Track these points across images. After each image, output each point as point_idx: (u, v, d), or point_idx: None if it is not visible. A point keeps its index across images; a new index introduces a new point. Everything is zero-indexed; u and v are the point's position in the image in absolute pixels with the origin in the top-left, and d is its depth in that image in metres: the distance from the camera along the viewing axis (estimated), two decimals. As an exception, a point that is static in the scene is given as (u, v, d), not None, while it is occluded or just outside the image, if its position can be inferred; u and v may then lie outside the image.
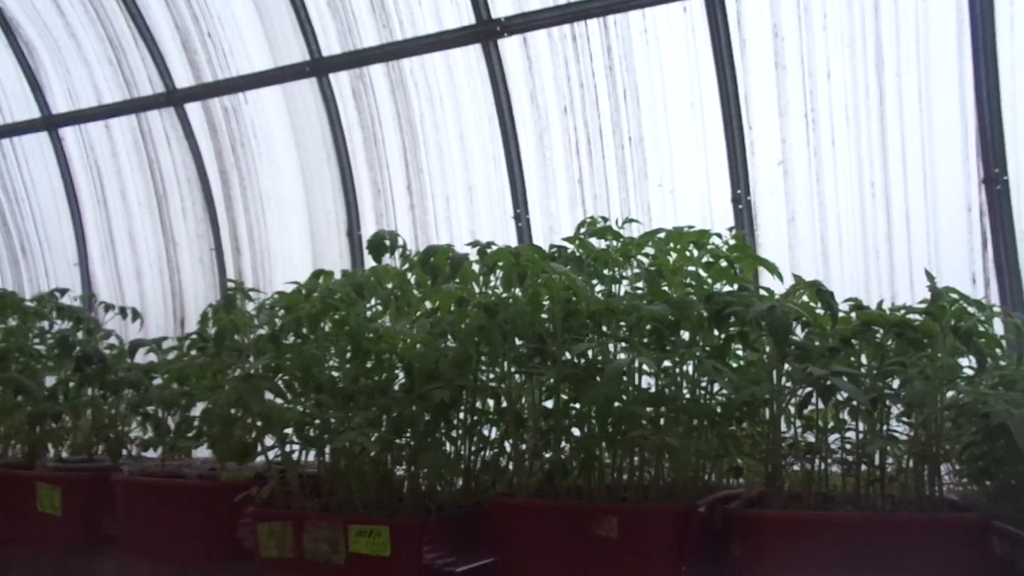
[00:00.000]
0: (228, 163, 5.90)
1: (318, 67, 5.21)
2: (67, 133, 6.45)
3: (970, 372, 1.83)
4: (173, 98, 5.85)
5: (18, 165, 6.84)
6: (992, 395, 1.63)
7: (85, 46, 6.06)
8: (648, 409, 1.89)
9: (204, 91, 5.72)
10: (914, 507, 1.76)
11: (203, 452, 2.87)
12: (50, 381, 3.04)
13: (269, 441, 2.29)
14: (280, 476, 2.18)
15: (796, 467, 2.03)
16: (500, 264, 2.13)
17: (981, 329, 1.86)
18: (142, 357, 2.93)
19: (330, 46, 5.18)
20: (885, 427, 1.94)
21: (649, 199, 4.57)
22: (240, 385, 2.04)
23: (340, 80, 5.24)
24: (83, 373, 2.78)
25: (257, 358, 2.14)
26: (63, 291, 3.49)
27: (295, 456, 2.24)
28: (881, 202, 4.14)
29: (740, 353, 2.21)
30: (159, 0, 5.65)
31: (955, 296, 1.89)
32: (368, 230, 5.33)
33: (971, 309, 1.83)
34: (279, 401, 2.16)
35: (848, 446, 2.00)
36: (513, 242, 4.74)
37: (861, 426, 1.99)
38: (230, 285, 2.36)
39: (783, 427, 2.03)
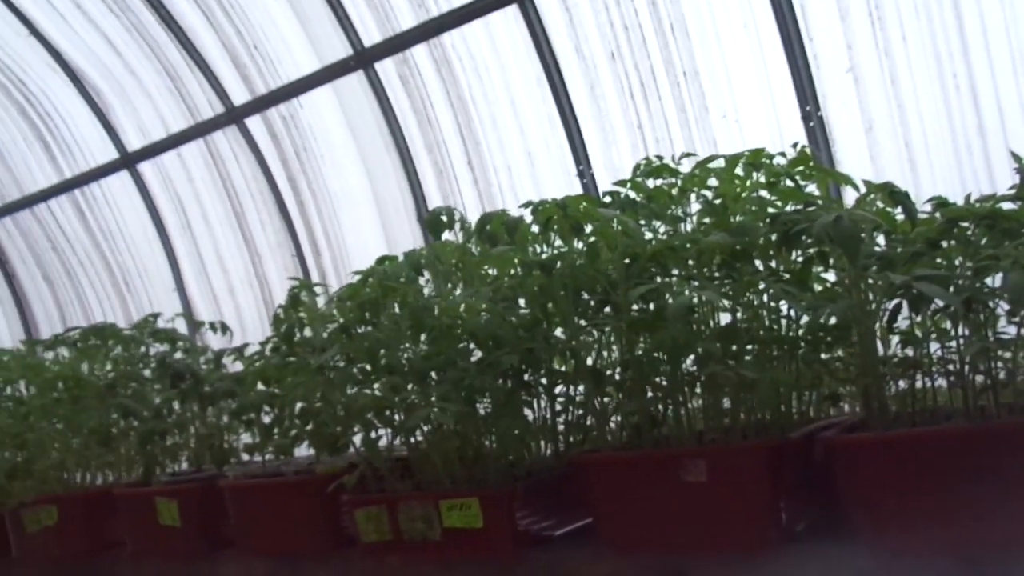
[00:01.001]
0: (295, 169, 6.02)
1: (362, 59, 5.23)
2: (145, 168, 6.73)
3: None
4: (233, 116, 6.00)
5: (108, 206, 7.19)
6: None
7: (145, 80, 6.29)
8: (727, 345, 1.79)
9: (260, 104, 5.85)
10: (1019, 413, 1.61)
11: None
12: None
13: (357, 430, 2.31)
14: (370, 462, 2.20)
15: (895, 383, 1.89)
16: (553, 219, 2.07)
17: (1085, 206, 1.67)
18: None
19: (371, 35, 5.19)
20: (991, 331, 1.78)
21: (714, 133, 4.39)
22: (315, 379, 2.06)
23: (386, 68, 5.25)
24: (179, 389, 2.89)
25: (328, 350, 2.15)
26: (156, 315, 3.63)
27: (382, 441, 2.26)
28: (967, 94, 3.83)
29: (827, 276, 2.07)
30: (203, 23, 5.78)
31: (1050, 175, 1.71)
32: (437, 211, 5.33)
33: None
34: (355, 389, 2.17)
35: (952, 356, 1.85)
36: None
37: (965, 332, 1.84)
38: (293, 284, 2.38)
39: (881, 347, 1.90)
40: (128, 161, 6.71)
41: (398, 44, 5.09)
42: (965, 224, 1.75)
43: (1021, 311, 1.60)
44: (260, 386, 2.56)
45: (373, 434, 2.21)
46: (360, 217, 5.77)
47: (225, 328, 3.62)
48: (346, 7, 5.16)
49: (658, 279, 1.94)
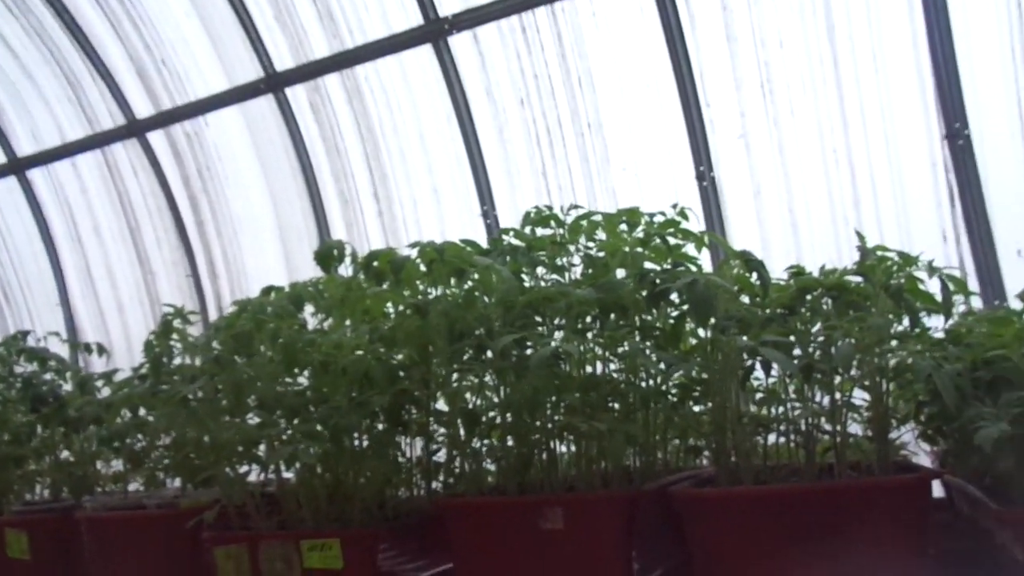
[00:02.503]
0: (196, 188, 5.87)
1: (273, 83, 5.18)
2: (35, 175, 6.43)
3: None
4: (134, 129, 5.83)
5: (-10, 213, 6.83)
6: (918, 352, 1.59)
7: (43, 85, 6.04)
8: (588, 396, 1.85)
9: (164, 119, 5.70)
10: (864, 472, 1.72)
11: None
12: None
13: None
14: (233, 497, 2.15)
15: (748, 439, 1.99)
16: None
17: (921, 287, 1.81)
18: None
19: (283, 61, 5.15)
20: (841, 394, 1.90)
21: (614, 185, 4.53)
22: (177, 410, 2.01)
23: (297, 94, 5.21)
24: (41, 413, 2.76)
25: (196, 381, 2.10)
26: (27, 333, 3.47)
27: (252, 476, 2.21)
28: (845, 167, 4.08)
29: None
30: (110, 33, 5.62)
31: (893, 254, 1.85)
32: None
33: (919, 268, 1.79)
34: (223, 422, 2.12)
35: (800, 416, 1.96)
36: (482, 239, 4.70)
37: (823, 395, 1.94)
38: (167, 310, 2.32)
39: (744, 402, 1.99)
40: (17, 167, 6.40)
41: (311, 72, 5.07)
42: (817, 293, 1.88)
43: (866, 379, 1.72)
44: (128, 414, 2.47)
45: (240, 469, 2.17)
46: (262, 241, 5.66)
47: (102, 350, 3.48)
48: (259, 30, 5.11)
49: (538, 326, 1.99)
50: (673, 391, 1.96)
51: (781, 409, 1.90)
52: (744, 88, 4.19)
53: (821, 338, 1.82)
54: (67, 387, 3.08)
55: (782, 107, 4.15)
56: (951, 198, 3.89)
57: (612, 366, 2.02)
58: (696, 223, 2.39)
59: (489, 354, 2.00)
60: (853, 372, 1.67)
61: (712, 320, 1.69)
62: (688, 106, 4.22)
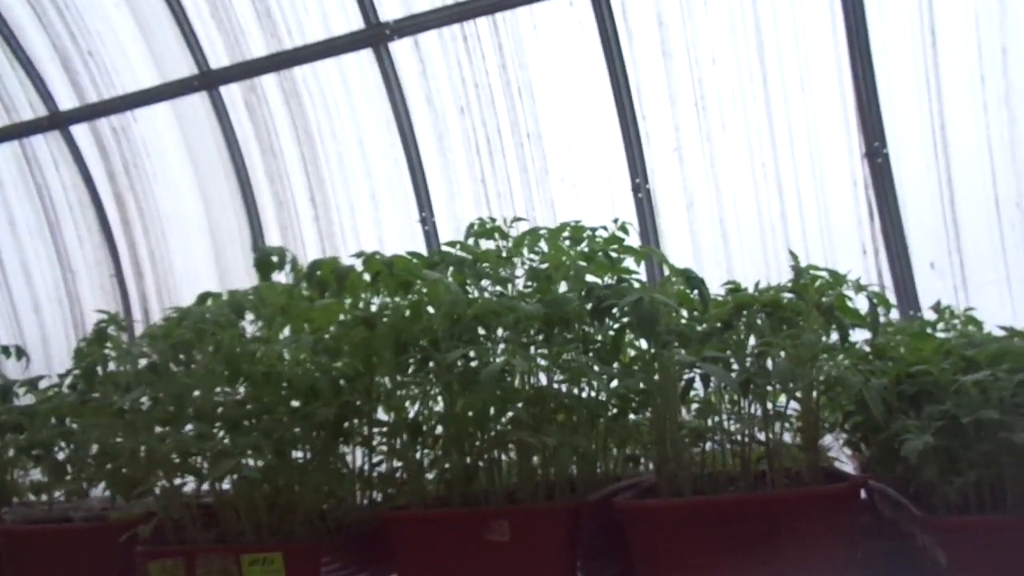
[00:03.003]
0: (122, 185, 5.69)
1: (207, 80, 5.06)
2: (-54, 165, 6.12)
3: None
4: (57, 121, 5.61)
5: None
6: (850, 367, 1.68)
7: (-43, 72, 5.76)
8: (534, 409, 1.88)
9: (89, 112, 5.51)
10: (797, 480, 1.80)
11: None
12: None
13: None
14: (168, 510, 2.10)
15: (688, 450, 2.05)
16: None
17: (849, 304, 1.91)
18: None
19: (218, 58, 5.04)
20: (771, 405, 1.99)
21: (552, 194, 4.59)
22: (113, 421, 1.95)
23: (232, 93, 5.11)
24: (-45, 420, 2.63)
25: (132, 391, 2.05)
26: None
27: (186, 488, 2.17)
28: (773, 182, 4.25)
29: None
30: (33, 20, 5.40)
31: (824, 272, 1.94)
32: (273, 243, 5.20)
33: (847, 286, 1.88)
34: (160, 432, 2.07)
35: (735, 427, 2.04)
36: (420, 247, 4.70)
37: (755, 406, 2.03)
38: (101, 317, 2.26)
39: (684, 414, 2.06)
40: (-74, 156, 6.07)
41: (247, 71, 4.98)
42: (753, 309, 1.95)
43: (788, 391, 1.80)
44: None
45: (176, 481, 2.12)
46: (192, 242, 5.52)
47: (21, 353, 3.34)
48: (194, 26, 4.99)
49: (482, 338, 2.01)
50: (614, 403, 2.00)
51: (717, 419, 1.97)
52: (679, 103, 4.32)
53: (756, 352, 1.90)
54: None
55: (714, 122, 4.29)
56: (870, 213, 4.09)
57: (554, 378, 2.06)
58: (635, 237, 2.46)
59: (432, 365, 2.02)
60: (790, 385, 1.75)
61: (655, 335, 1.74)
62: (625, 119, 4.32)
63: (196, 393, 2.01)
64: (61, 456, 2.60)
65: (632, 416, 2.17)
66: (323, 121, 4.96)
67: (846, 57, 3.98)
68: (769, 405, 1.95)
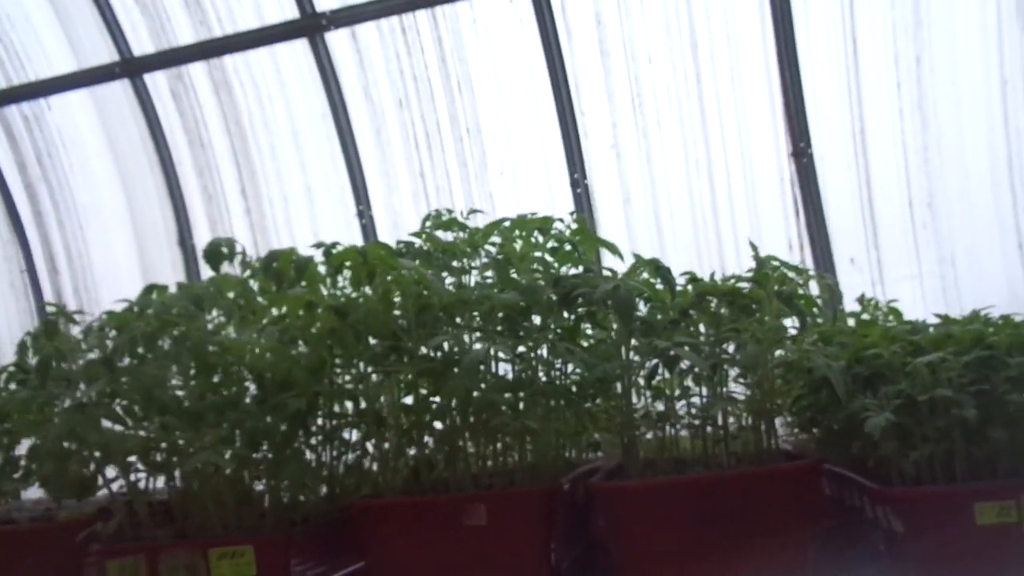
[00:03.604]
0: (34, 176, 5.40)
1: (129, 68, 4.87)
2: None
3: (794, 332, 2.00)
4: (-39, 107, 5.28)
5: None
6: (813, 351, 1.79)
7: None
8: (507, 395, 1.92)
9: (-2, 98, 5.21)
10: (755, 461, 1.90)
11: (34, 492, 2.63)
12: None
13: (111, 472, 2.13)
14: (127, 507, 2.04)
15: (649, 435, 2.13)
16: (348, 264, 2.09)
17: (801, 292, 2.02)
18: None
19: (142, 45, 4.85)
20: (725, 389, 2.08)
21: (491, 188, 4.63)
22: (72, 416, 1.88)
23: (156, 81, 4.93)
24: None
25: (89, 385, 1.98)
26: None
27: (140, 484, 2.10)
28: (705, 178, 4.41)
29: (589, 332, 2.29)
30: (-65, -2, 5.07)
31: (777, 263, 2.05)
32: (201, 238, 5.05)
33: (791, 274, 1.99)
34: (118, 428, 2.01)
35: (694, 411, 2.12)
36: (357, 241, 4.66)
37: (704, 391, 2.12)
38: (50, 309, 2.16)
39: (634, 399, 2.13)
40: None
41: (173, 58, 4.81)
42: (711, 298, 2.04)
43: (753, 376, 1.90)
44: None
45: (132, 476, 2.06)
46: (112, 236, 5.29)
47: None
48: (115, 10, 4.79)
49: (447, 329, 2.03)
50: (587, 390, 2.06)
51: (681, 403, 2.05)
52: (616, 100, 4.42)
53: (717, 338, 1.99)
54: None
55: (650, 119, 4.41)
56: (796, 210, 4.30)
57: (517, 366, 2.10)
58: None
59: (404, 355, 2.03)
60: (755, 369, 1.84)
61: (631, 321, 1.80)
62: (564, 115, 4.40)
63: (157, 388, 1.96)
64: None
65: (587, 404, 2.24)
66: (255, 112, 4.85)
67: (775, 59, 4.16)
68: (723, 390, 2.05)
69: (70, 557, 2.09)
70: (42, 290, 5.52)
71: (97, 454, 2.03)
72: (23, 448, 2.34)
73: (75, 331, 2.34)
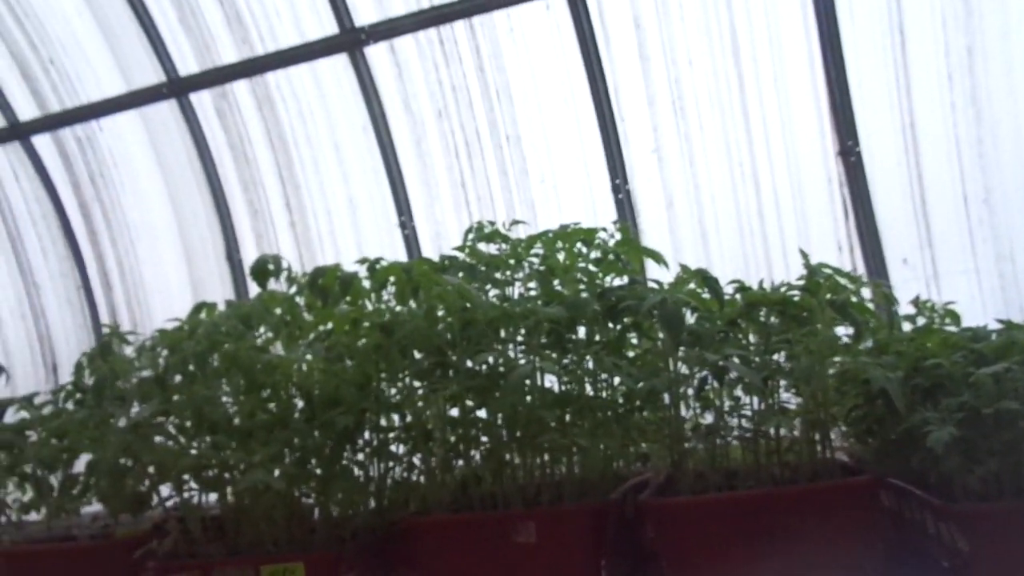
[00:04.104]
0: (88, 195, 5.55)
1: (176, 88, 4.97)
2: (-102, 177, 5.90)
3: (848, 340, 1.94)
4: (17, 132, 5.45)
5: None
6: (870, 363, 1.73)
7: (-91, 80, 5.56)
8: (560, 411, 1.90)
9: (52, 122, 5.36)
10: (809, 472, 1.85)
11: (93, 508, 2.69)
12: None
13: (165, 489, 2.17)
14: (180, 524, 2.07)
15: (697, 447, 2.09)
16: (392, 280, 2.10)
17: (854, 300, 1.96)
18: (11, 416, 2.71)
19: (187, 65, 4.95)
20: (776, 400, 2.03)
21: (532, 196, 4.61)
22: (127, 434, 1.92)
23: (202, 100, 5.02)
24: (-56, 440, 2.54)
25: (142, 403, 2.01)
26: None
27: (194, 501, 2.13)
28: (750, 181, 4.33)
29: (634, 343, 2.26)
30: (-11, 28, 5.25)
31: (828, 271, 1.99)
32: (248, 252, 5.14)
33: (843, 281, 1.94)
34: (172, 445, 2.04)
35: (745, 422, 2.08)
36: (400, 251, 4.69)
37: (755, 402, 2.07)
38: (105, 330, 2.21)
39: (683, 410, 2.09)
40: None
41: (217, 77, 4.90)
42: (760, 308, 2.00)
43: (806, 387, 1.85)
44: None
45: (185, 493, 2.09)
46: (162, 252, 5.41)
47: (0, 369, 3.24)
48: (161, 32, 4.90)
49: (495, 343, 2.02)
50: (627, 403, 2.03)
51: (732, 416, 2.01)
52: (656, 104, 4.37)
53: (768, 349, 1.95)
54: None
55: (692, 123, 4.35)
56: (845, 211, 4.20)
57: (563, 379, 2.08)
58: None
59: (450, 370, 2.02)
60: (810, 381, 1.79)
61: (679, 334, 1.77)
62: (604, 121, 4.36)
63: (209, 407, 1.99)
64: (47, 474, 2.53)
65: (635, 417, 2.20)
66: (298, 127, 4.91)
67: (819, 57, 4.07)
68: (774, 401, 2.00)
69: (127, 573, 2.13)
70: (96, 305, 5.67)
71: (152, 471, 2.07)
72: (81, 465, 2.40)
73: (128, 350, 2.39)
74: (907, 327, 2.43)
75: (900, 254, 4.16)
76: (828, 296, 1.86)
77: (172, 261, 5.44)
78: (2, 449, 2.57)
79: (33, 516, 2.78)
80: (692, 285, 2.04)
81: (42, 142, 5.50)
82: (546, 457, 2.01)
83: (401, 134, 4.67)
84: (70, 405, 2.31)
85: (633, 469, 2.51)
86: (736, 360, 1.69)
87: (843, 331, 2.07)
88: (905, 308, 2.75)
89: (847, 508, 1.64)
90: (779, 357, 2.02)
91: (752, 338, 2.08)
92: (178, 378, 2.11)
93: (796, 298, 1.95)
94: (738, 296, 2.07)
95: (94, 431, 2.26)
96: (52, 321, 5.84)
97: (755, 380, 1.71)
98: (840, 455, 2.49)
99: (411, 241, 4.71)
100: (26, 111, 5.42)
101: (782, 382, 2.05)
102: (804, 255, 1.95)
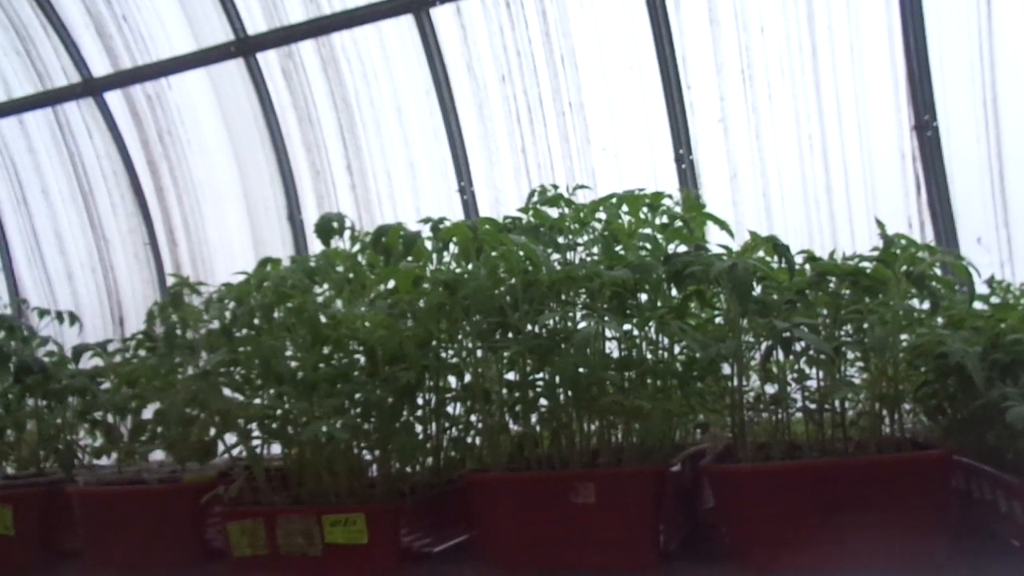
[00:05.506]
0: (156, 153, 5.69)
1: (244, 47, 5.04)
2: (-22, 132, 6.14)
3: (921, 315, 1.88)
4: (91, 87, 5.60)
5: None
6: (948, 336, 1.68)
7: (-9, 38, 5.75)
8: (623, 374, 1.89)
9: (123, 78, 5.49)
10: (876, 448, 1.81)
11: (158, 455, 2.79)
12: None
13: (230, 438, 2.23)
14: (246, 472, 2.13)
15: (758, 418, 2.06)
16: (455, 239, 2.10)
17: (933, 272, 1.90)
18: (85, 362, 2.81)
19: (255, 24, 5.01)
20: (842, 374, 1.98)
21: (593, 164, 4.57)
22: (196, 383, 1.97)
23: (268, 59, 5.09)
24: (23, 383, 2.66)
25: (210, 354, 2.06)
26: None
27: (258, 450, 2.19)
28: (819, 154, 4.22)
29: (695, 312, 2.22)
30: (67, -15, 5.38)
31: (904, 241, 1.93)
32: (309, 213, 5.22)
33: (920, 254, 1.87)
34: (237, 396, 2.09)
35: (808, 394, 2.04)
36: (458, 216, 4.70)
37: (820, 374, 2.03)
38: (172, 280, 2.27)
39: (744, 380, 2.06)
40: (-42, 123, 6.09)
41: (284, 37, 4.95)
42: (831, 278, 1.94)
43: (879, 360, 1.80)
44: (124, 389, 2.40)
45: (250, 443, 2.14)
46: (226, 210, 5.53)
47: (74, 319, 3.36)
48: (231, -9, 4.96)
49: (552, 305, 2.01)
50: (696, 370, 2.00)
51: (796, 387, 1.97)
52: (725, 72, 4.27)
53: (840, 320, 1.90)
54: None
55: (760, 93, 4.24)
56: (918, 187, 4.06)
57: (624, 345, 2.06)
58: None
59: (510, 332, 2.02)
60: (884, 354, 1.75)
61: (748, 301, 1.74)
62: (670, 89, 4.28)
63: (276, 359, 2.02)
64: (119, 420, 2.63)
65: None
66: (361, 89, 4.94)
67: (898, 27, 3.92)
68: (842, 373, 1.96)
69: (194, 517, 2.20)
70: (162, 261, 5.84)
71: (218, 420, 2.13)
72: (149, 413, 2.49)
73: (197, 302, 2.45)
74: (980, 307, 2.35)
75: (974, 233, 4.01)
76: (904, 268, 1.80)
77: (235, 220, 5.56)
78: (76, 394, 2.67)
79: (104, 461, 2.91)
80: (761, 253, 1.99)
81: (114, 98, 5.65)
82: (605, 421, 2.00)
83: (463, 98, 4.67)
84: (141, 353, 2.38)
85: (690, 440, 2.50)
86: (805, 330, 1.65)
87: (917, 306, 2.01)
88: (979, 288, 2.66)
89: (918, 482, 1.60)
90: (848, 329, 1.98)
91: (821, 311, 2.04)
92: (244, 330, 2.16)
93: (868, 269, 1.90)
94: (807, 266, 2.02)
95: (163, 379, 2.33)
96: (120, 276, 6.04)
97: (826, 350, 1.67)
98: (907, 433, 2.44)
99: (469, 206, 4.72)
100: (100, 67, 5.56)
101: (849, 355, 2.00)
102: (880, 224, 1.89)
